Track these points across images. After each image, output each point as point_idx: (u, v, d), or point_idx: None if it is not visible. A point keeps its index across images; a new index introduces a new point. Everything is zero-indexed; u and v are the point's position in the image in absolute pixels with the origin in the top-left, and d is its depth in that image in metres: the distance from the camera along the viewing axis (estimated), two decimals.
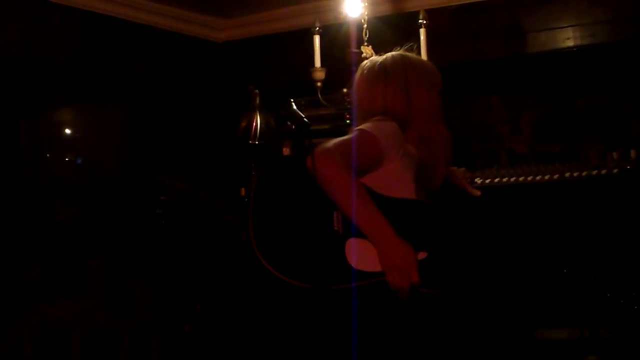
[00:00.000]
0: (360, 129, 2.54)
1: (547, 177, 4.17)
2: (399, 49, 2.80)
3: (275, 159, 2.54)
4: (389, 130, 2.56)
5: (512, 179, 4.26)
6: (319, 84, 4.16)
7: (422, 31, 3.99)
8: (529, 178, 4.22)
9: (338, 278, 2.39)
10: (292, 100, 2.42)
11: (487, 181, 4.32)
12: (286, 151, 4.32)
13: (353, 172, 2.42)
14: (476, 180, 4.33)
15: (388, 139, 2.53)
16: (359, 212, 2.41)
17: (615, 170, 4.02)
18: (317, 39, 4.17)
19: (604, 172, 4.05)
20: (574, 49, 4.67)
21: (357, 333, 2.41)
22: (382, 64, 2.72)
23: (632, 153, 4.16)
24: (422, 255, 2.45)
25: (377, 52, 2.96)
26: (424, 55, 3.99)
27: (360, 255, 2.42)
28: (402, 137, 2.59)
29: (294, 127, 2.23)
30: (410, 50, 2.81)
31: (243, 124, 4.53)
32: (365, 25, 4.04)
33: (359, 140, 2.50)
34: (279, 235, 2.40)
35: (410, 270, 2.37)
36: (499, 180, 4.29)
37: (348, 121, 3.97)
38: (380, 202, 2.45)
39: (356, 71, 2.80)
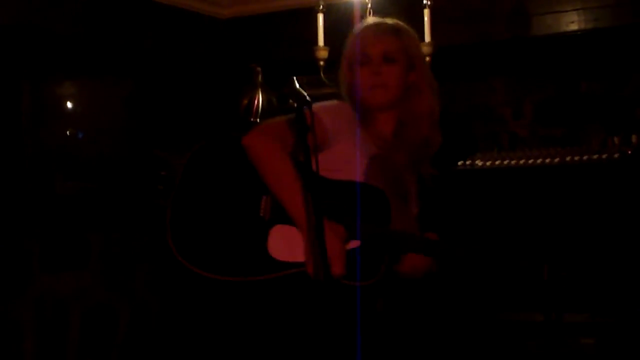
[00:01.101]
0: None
1: (547, 160, 4.17)
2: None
3: (206, 142, 2.42)
4: (336, 110, 2.49)
5: (513, 162, 4.27)
6: (321, 62, 4.16)
7: (426, 12, 3.98)
8: (530, 161, 4.22)
9: (255, 269, 2.27)
10: (294, 78, 2.41)
11: (488, 164, 4.32)
12: None
13: (285, 152, 2.28)
14: (477, 162, 4.34)
15: (335, 119, 2.44)
16: (286, 195, 2.26)
17: (616, 155, 4.03)
18: (320, 18, 4.17)
19: (604, 156, 4.05)
20: (578, 33, 4.65)
21: (274, 328, 2.30)
22: None
23: (634, 138, 4.17)
24: (353, 244, 2.31)
25: None
26: (427, 36, 3.98)
27: (282, 243, 2.29)
28: (353, 116, 2.50)
29: (295, 105, 2.23)
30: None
31: (245, 102, 4.53)
32: (369, 5, 4.03)
33: None
34: (199, 226, 2.30)
35: (333, 262, 2.19)
36: (499, 163, 4.30)
37: None
38: (321, 185, 2.29)
39: None
